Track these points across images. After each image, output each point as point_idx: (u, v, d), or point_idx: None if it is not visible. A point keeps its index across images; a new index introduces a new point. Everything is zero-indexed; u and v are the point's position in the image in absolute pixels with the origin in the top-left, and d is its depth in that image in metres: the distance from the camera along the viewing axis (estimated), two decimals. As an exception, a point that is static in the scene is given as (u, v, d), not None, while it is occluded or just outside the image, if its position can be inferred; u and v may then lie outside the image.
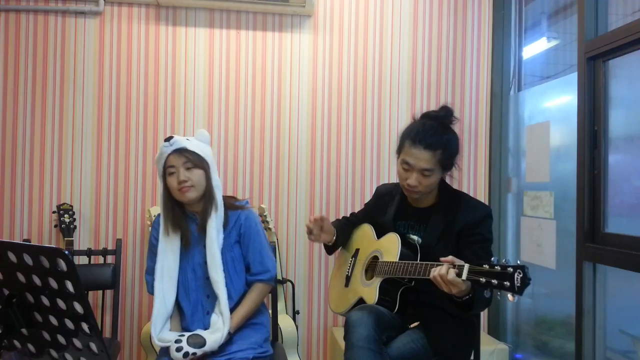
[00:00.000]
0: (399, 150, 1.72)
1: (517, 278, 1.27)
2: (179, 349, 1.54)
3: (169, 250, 1.71)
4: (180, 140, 1.67)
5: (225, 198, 1.79)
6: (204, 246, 1.72)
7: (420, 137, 1.63)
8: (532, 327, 2.67)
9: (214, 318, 1.65)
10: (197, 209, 1.74)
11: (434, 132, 1.64)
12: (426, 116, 1.73)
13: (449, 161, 1.67)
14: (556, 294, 2.47)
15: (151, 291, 1.76)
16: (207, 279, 1.72)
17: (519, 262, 1.30)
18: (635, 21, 1.81)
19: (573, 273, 2.05)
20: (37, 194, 2.56)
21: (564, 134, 2.37)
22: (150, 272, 1.78)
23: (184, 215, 1.74)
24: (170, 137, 1.67)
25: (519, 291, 1.26)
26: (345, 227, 2.00)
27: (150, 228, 2.45)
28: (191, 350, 1.54)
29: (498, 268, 1.31)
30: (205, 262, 1.71)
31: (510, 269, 1.28)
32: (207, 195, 1.71)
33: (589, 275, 2.00)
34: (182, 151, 1.66)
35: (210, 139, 1.85)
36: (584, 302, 1.99)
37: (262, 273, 1.77)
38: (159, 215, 1.79)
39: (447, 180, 1.79)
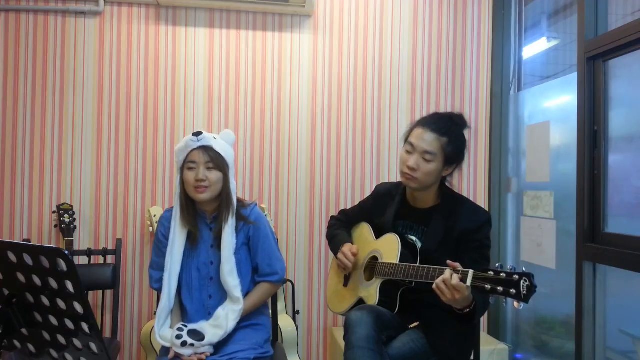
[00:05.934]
0: (407, 136, 1.73)
1: (523, 285, 1.25)
2: (179, 337, 1.56)
3: (177, 245, 1.71)
4: (208, 138, 1.66)
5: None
6: (212, 246, 1.72)
7: (429, 121, 1.69)
8: (532, 327, 2.67)
9: (220, 312, 1.65)
10: (208, 208, 1.74)
11: (444, 121, 1.69)
12: (440, 112, 1.80)
13: (452, 154, 1.67)
14: (556, 294, 2.47)
15: (153, 285, 1.78)
16: (210, 279, 1.72)
17: (524, 269, 1.28)
18: (635, 21, 1.81)
19: (573, 273, 2.05)
20: (37, 194, 2.55)
21: (564, 134, 2.37)
22: (154, 266, 1.78)
23: (195, 212, 1.74)
24: (200, 133, 1.66)
25: (525, 299, 1.25)
26: (346, 228, 2.00)
27: (150, 228, 2.46)
28: (190, 340, 1.56)
29: (504, 275, 1.29)
30: (212, 263, 1.72)
31: (516, 276, 1.27)
32: (225, 199, 1.71)
33: (589, 275, 2.00)
34: (207, 149, 1.66)
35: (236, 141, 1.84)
36: (584, 302, 1.99)
37: (271, 275, 1.77)
38: (166, 211, 1.80)
39: (447, 184, 1.80)
